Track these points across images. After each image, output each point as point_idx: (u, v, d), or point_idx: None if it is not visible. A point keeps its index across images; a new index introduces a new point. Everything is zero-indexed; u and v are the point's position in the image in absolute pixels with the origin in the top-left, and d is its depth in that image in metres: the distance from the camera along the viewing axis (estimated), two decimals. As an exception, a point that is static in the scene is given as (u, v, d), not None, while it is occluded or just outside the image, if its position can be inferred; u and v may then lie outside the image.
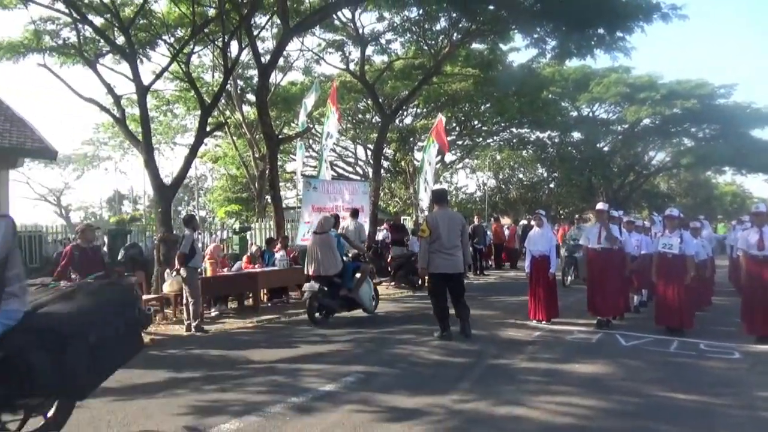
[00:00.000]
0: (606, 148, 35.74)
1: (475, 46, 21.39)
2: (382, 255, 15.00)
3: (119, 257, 10.82)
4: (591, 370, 6.16)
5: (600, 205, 8.97)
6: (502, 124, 30.75)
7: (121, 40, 12.52)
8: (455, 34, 18.00)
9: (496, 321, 9.13)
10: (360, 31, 18.29)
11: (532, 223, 10.02)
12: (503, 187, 38.34)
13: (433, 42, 19.28)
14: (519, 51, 32.58)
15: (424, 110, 28.48)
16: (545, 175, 38.69)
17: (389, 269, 14.65)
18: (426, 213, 18.26)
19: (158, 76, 13.44)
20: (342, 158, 32.30)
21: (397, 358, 6.79)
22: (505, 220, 26.63)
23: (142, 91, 12.19)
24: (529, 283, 9.27)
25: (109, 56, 14.08)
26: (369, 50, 19.13)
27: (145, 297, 9.61)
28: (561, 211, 38.06)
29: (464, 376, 5.88)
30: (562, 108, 31.16)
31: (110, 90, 12.53)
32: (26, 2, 12.13)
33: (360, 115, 29.29)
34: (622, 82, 29.71)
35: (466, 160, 36.80)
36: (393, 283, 14.38)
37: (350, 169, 32.65)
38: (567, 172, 34.97)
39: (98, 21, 12.76)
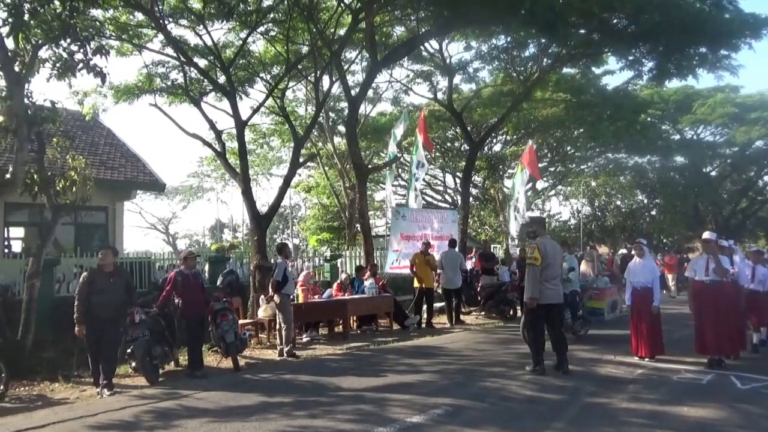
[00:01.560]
0: (713, 173, 33.32)
1: (566, 70, 20.88)
2: (472, 284, 14.73)
3: (218, 283, 11.36)
4: (702, 414, 5.63)
5: (706, 234, 8.30)
6: (597, 150, 29.59)
7: (222, 79, 13.43)
8: (545, 60, 17.64)
9: (594, 356, 8.63)
10: (447, 60, 18.42)
11: (633, 252, 9.42)
12: (599, 214, 36.68)
13: (522, 68, 19.00)
14: (613, 74, 30.98)
15: (514, 137, 28.02)
16: (645, 201, 36.61)
17: (479, 298, 14.36)
18: (510, 242, 17.70)
19: (255, 111, 14.23)
20: (431, 186, 32.37)
21: (487, 391, 6.56)
22: (602, 249, 25.34)
23: (241, 125, 12.95)
24: (630, 316, 8.72)
25: (211, 94, 15.08)
26: (457, 79, 19.21)
27: (241, 322, 9.99)
28: (664, 240, 35.72)
29: (558, 415, 5.57)
30: (663, 131, 29.46)
31: (212, 126, 13.43)
32: (140, 49, 13.34)
33: (448, 143, 29.31)
34: (729, 102, 27.72)
35: (559, 187, 35.64)
36: (483, 313, 14.09)
37: (439, 197, 32.63)
38: (670, 199, 32.87)
39: (202, 63, 13.81)
